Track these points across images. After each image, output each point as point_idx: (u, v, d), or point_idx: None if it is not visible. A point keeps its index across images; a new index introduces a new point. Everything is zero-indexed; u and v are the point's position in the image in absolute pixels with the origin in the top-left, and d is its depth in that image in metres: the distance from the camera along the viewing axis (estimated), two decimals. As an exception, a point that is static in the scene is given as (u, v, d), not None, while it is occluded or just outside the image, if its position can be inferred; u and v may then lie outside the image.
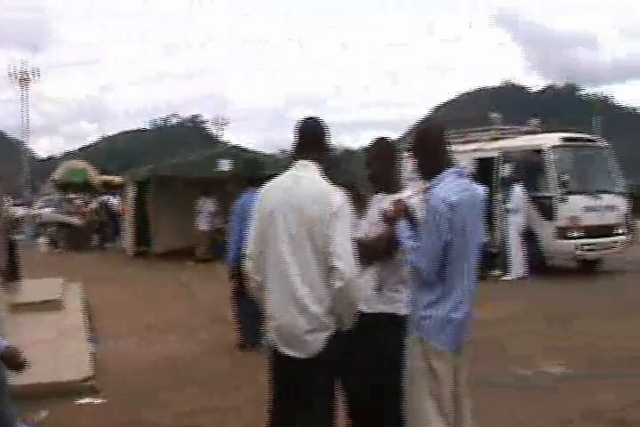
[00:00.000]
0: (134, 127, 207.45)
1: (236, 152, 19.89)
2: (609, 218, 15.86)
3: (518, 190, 15.31)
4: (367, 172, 4.55)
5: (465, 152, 17.47)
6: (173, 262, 18.95)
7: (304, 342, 3.78)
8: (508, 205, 15.36)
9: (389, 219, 4.09)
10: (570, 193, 15.21)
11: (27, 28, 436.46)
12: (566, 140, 16.33)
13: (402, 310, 4.14)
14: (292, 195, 3.86)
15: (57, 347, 8.29)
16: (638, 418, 6.04)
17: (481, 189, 13.07)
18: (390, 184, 4.44)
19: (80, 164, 33.23)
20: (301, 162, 4.00)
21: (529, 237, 15.47)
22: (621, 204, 16.43)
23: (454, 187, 3.86)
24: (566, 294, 12.97)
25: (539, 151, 15.84)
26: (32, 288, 12.25)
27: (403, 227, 3.96)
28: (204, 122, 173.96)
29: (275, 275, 3.85)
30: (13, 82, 48.58)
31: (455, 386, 3.86)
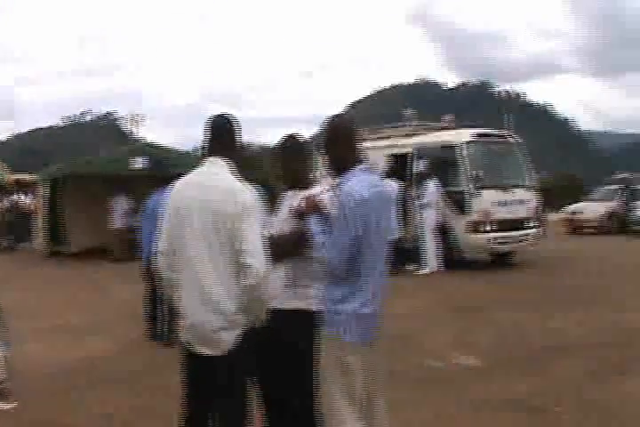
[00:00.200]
0: (47, 124, 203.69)
1: (151, 149, 19.69)
2: (520, 212, 16.22)
3: (432, 186, 15.51)
4: (278, 168, 4.54)
5: (379, 148, 17.61)
6: (88, 262, 18.65)
7: (216, 340, 3.77)
8: (422, 201, 15.53)
9: (300, 215, 4.07)
10: (482, 188, 15.50)
11: None
12: (478, 135, 16.65)
13: (314, 305, 4.13)
14: (202, 192, 3.85)
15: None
16: (545, 405, 6.19)
17: (394, 185, 13.25)
18: (301, 181, 4.43)
19: (-11, 162, 32.37)
20: (212, 159, 3.98)
21: (443, 231, 15.72)
22: (532, 198, 16.83)
23: (364, 183, 3.84)
24: (479, 287, 13.24)
25: (451, 147, 16.09)
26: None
27: (313, 223, 3.95)
28: (118, 118, 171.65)
29: (186, 273, 3.83)
30: None
31: (368, 381, 3.88)
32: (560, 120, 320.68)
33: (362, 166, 3.95)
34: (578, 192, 38.22)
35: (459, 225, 15.66)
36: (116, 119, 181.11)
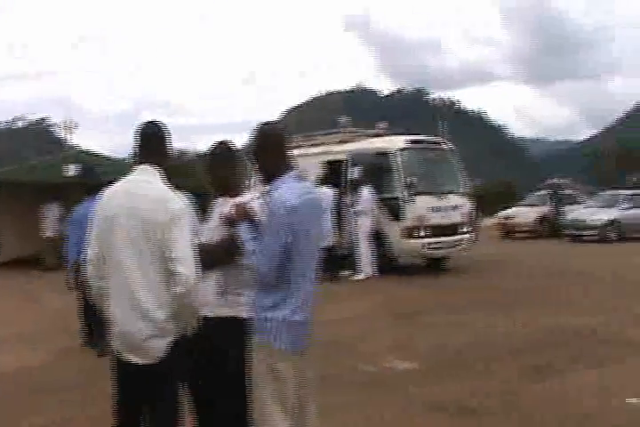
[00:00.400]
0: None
1: (85, 157, 19.45)
2: (454, 217, 16.39)
3: (366, 192, 15.57)
4: (208, 176, 4.53)
5: (314, 155, 17.71)
6: (19, 272, 18.34)
7: (146, 348, 3.75)
8: (357, 207, 15.58)
9: (230, 222, 4.07)
10: (416, 194, 15.59)
11: None
12: (412, 142, 16.76)
13: (245, 313, 4.12)
14: (132, 200, 3.82)
15: None
16: (480, 407, 6.26)
17: (328, 192, 13.31)
18: (231, 188, 4.42)
19: None
20: (142, 167, 3.96)
21: (377, 237, 15.77)
22: (466, 203, 17.03)
23: (294, 190, 3.85)
24: (414, 292, 13.37)
25: (386, 154, 16.19)
26: None
27: (244, 230, 3.96)
28: (51, 125, 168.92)
29: (116, 281, 3.80)
30: None
31: (300, 387, 3.90)
32: (494, 127, 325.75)
33: (292, 174, 3.95)
34: (511, 198, 38.80)
35: (393, 231, 15.72)
36: (48, 126, 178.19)
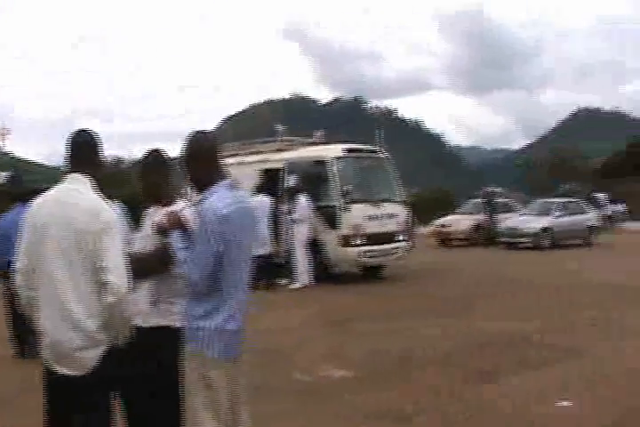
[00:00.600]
0: None
1: (18, 164, 19.16)
2: (390, 225, 16.49)
3: (303, 201, 15.58)
4: (140, 184, 4.51)
5: (251, 163, 17.71)
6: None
7: (77, 359, 3.70)
8: (294, 216, 15.58)
9: (162, 231, 4.06)
10: (352, 202, 15.64)
11: None
12: (348, 151, 16.82)
13: (178, 322, 4.11)
14: (63, 209, 3.77)
15: None
16: (415, 413, 6.32)
17: (265, 201, 13.26)
18: (163, 196, 4.40)
19: None
20: (73, 175, 3.91)
21: (314, 245, 15.79)
22: (402, 212, 17.15)
23: (227, 199, 3.84)
24: (350, 300, 13.42)
25: (322, 162, 16.22)
26: None
27: (176, 239, 3.95)
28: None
29: (46, 291, 3.74)
30: None
31: (233, 396, 3.90)
32: (431, 136, 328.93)
33: (224, 182, 3.94)
34: (448, 206, 39.21)
35: (330, 239, 15.75)
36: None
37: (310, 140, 18.91)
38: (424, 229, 30.70)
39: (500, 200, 30.42)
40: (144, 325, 4.15)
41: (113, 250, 3.70)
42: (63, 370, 3.73)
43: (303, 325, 10.97)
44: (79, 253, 3.69)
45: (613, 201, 39.49)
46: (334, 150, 16.75)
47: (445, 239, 28.76)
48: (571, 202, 28.52)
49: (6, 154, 49.29)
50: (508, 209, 29.69)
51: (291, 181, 16.12)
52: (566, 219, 26.51)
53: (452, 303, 12.78)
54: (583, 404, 6.48)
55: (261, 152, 18.70)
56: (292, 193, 15.87)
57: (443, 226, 29.05)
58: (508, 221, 26.95)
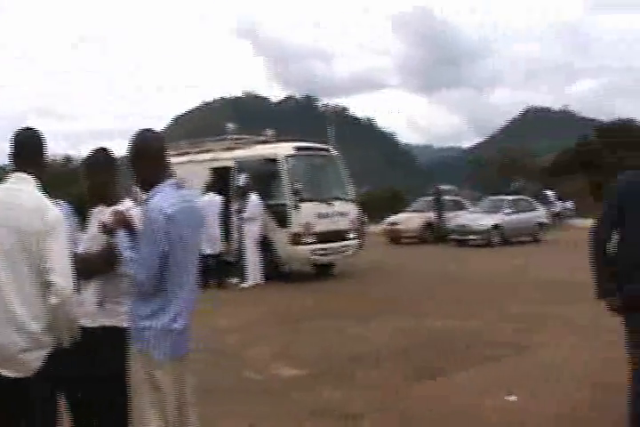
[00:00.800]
0: None
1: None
2: (341, 223, 16.55)
3: (254, 199, 15.54)
4: (86, 183, 4.47)
5: (202, 162, 17.66)
6: None
7: (21, 361, 3.64)
8: (244, 214, 15.53)
9: (108, 230, 4.04)
10: (303, 200, 15.67)
11: None
12: (299, 149, 16.83)
13: (125, 322, 4.08)
14: (6, 208, 3.71)
15: None
16: (364, 411, 6.35)
17: (216, 199, 13.21)
18: (109, 196, 4.36)
19: None
20: (17, 174, 3.85)
21: (265, 244, 15.77)
22: (352, 210, 17.23)
23: (172, 198, 3.83)
24: (300, 299, 13.42)
25: (273, 160, 16.20)
26: None
27: (122, 238, 3.93)
28: None
29: (-12, 292, 3.71)
30: None
31: (180, 396, 3.90)
32: (383, 134, 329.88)
33: (170, 182, 3.93)
34: (400, 204, 39.43)
35: (281, 238, 15.75)
36: None
37: (261, 138, 18.85)
38: (375, 227, 30.80)
39: (449, 198, 30.67)
40: (90, 325, 4.10)
41: (57, 250, 3.65)
42: (7, 372, 3.67)
43: (254, 323, 10.96)
44: (23, 254, 3.63)
45: (562, 198, 40.05)
46: (285, 148, 16.73)
47: (396, 237, 28.93)
48: (520, 199, 28.90)
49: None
50: (458, 207, 29.96)
51: (241, 179, 16.07)
52: (516, 216, 26.87)
53: (400, 301, 12.87)
54: (531, 398, 6.56)
55: (212, 150, 18.63)
56: (243, 191, 15.82)
57: (393, 224, 29.21)
58: (459, 218, 27.23)
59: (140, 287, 3.81)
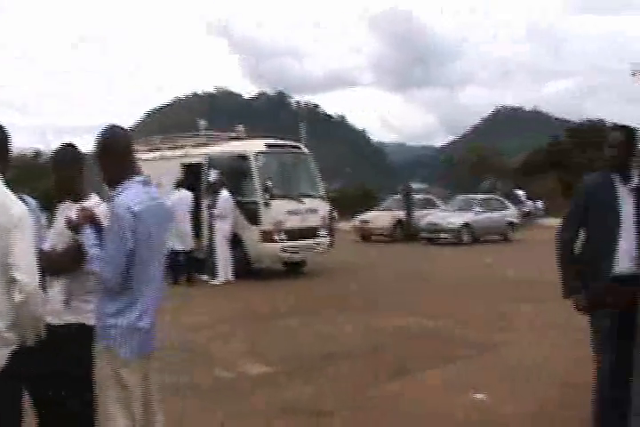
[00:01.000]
0: None
1: None
2: (311, 221, 16.55)
3: (225, 196, 15.48)
4: (53, 179, 4.42)
5: (173, 158, 17.59)
6: None
7: None
8: (215, 211, 15.46)
9: (75, 227, 4.00)
10: (273, 197, 15.62)
11: None
12: (270, 146, 16.79)
13: (91, 320, 4.05)
14: (-30, 205, 3.68)
15: None
16: (333, 408, 6.35)
17: (186, 195, 13.12)
18: (76, 192, 4.33)
19: None
20: (-19, 171, 3.82)
21: (235, 241, 15.72)
22: (323, 207, 17.24)
23: (139, 195, 3.81)
24: (270, 296, 13.42)
25: (243, 157, 16.16)
26: None
27: (88, 235, 3.89)
28: None
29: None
30: None
31: (145, 393, 3.87)
32: (356, 131, 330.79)
33: (137, 178, 3.91)
34: (371, 202, 39.52)
35: (251, 235, 15.71)
36: None
37: (232, 134, 18.79)
38: (346, 225, 30.86)
39: (420, 196, 30.80)
40: (56, 323, 4.06)
41: (22, 247, 3.59)
42: None
43: (224, 321, 10.92)
44: (-13, 251, 3.59)
45: (532, 198, 40.38)
46: (256, 145, 16.68)
47: (367, 235, 29.02)
48: (491, 198, 29.14)
49: None
50: (429, 205, 30.09)
51: (212, 175, 16.01)
52: (486, 215, 27.06)
53: (371, 299, 12.90)
54: (499, 397, 6.59)
55: (183, 147, 18.54)
56: (214, 188, 15.75)
57: (364, 222, 29.28)
58: (429, 216, 27.33)
59: (106, 285, 3.79)
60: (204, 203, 16.12)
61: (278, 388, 7.11)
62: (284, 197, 15.94)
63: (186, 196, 15.42)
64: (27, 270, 3.54)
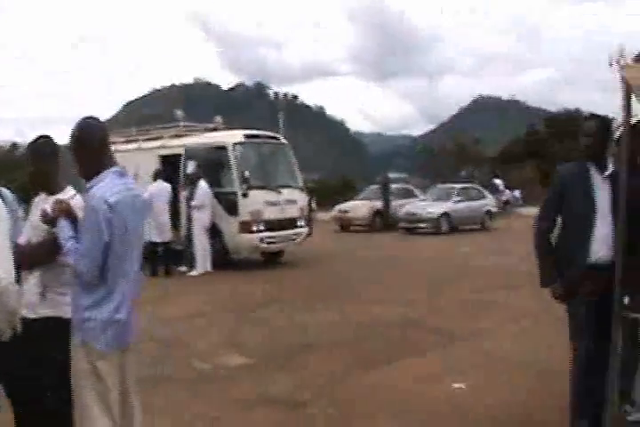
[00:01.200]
0: None
1: None
2: (290, 211, 16.54)
3: (203, 187, 15.45)
4: (28, 171, 4.39)
5: (150, 149, 17.52)
6: None
7: None
8: (193, 202, 15.43)
9: (50, 220, 3.97)
10: (252, 188, 15.57)
11: None
12: (248, 137, 16.73)
13: (68, 313, 4.01)
14: (-56, 197, 3.65)
15: None
16: (309, 399, 6.37)
17: (165, 186, 13.08)
18: (51, 184, 4.29)
19: None
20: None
21: (213, 232, 15.70)
22: (301, 198, 17.24)
23: (115, 187, 3.78)
24: (249, 287, 13.41)
25: (222, 148, 16.10)
26: None
27: (64, 228, 3.87)
28: None
29: None
30: None
31: (122, 386, 3.86)
32: (334, 122, 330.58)
33: (113, 170, 3.88)
34: (351, 192, 39.54)
35: (230, 226, 15.69)
36: None
37: (210, 125, 18.73)
38: (326, 215, 30.87)
39: (399, 186, 30.82)
40: (32, 316, 4.04)
41: None
42: None
43: (202, 312, 10.90)
44: (-39, 244, 3.56)
45: (510, 187, 40.54)
46: (234, 136, 16.64)
47: (346, 225, 29.05)
48: (469, 188, 29.17)
49: None
50: (408, 195, 30.14)
51: (190, 167, 15.96)
52: (465, 204, 27.15)
53: (349, 289, 12.95)
54: (476, 385, 6.64)
55: (161, 138, 18.46)
56: (192, 179, 15.70)
57: (343, 212, 29.31)
58: (408, 206, 27.38)
59: (82, 278, 3.76)
60: (182, 194, 16.06)
61: (256, 378, 7.11)
62: (262, 187, 15.88)
63: (164, 187, 15.36)
64: (1, 264, 3.51)
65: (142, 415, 4.02)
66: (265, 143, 17.39)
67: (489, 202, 29.04)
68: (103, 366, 3.75)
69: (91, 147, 3.89)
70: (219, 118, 18.83)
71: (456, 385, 6.65)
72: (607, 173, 4.81)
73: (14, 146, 56.65)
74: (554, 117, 61.13)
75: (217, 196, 15.67)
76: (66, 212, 3.89)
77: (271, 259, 17.27)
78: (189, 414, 6.05)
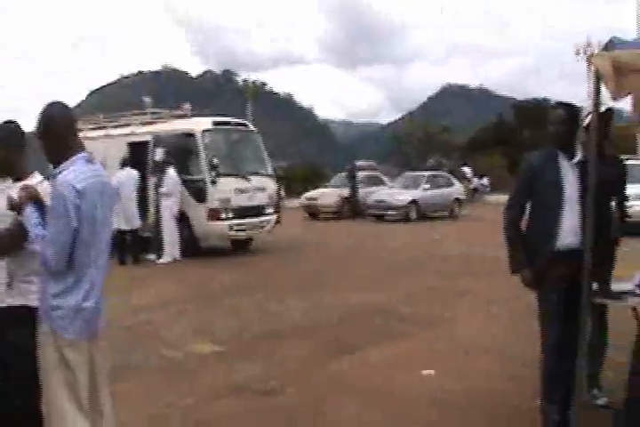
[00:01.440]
0: None
1: None
2: (259, 199, 16.52)
3: (171, 174, 15.39)
4: None
5: (118, 136, 17.42)
6: None
7: None
8: (162, 189, 15.36)
9: (16, 206, 3.91)
10: (220, 175, 15.54)
11: None
12: (217, 124, 16.65)
13: (35, 301, 3.98)
14: None
15: None
16: (280, 387, 6.37)
17: (132, 173, 12.98)
18: (16, 170, 4.24)
19: None
20: None
21: (182, 219, 15.65)
22: (270, 185, 17.20)
23: (83, 173, 3.74)
24: (219, 275, 13.38)
25: (190, 135, 16.02)
26: None
27: (30, 214, 3.81)
28: None
29: None
30: None
31: (91, 375, 3.83)
32: (303, 109, 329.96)
33: (81, 156, 3.84)
34: (320, 180, 39.53)
35: (198, 213, 15.63)
36: None
37: (178, 112, 18.63)
38: (294, 202, 30.86)
39: (368, 174, 30.85)
40: (0, 305, 4.01)
41: None
42: None
43: (171, 300, 10.86)
44: None
45: (478, 175, 40.76)
46: (203, 123, 16.55)
47: (314, 212, 29.06)
48: (438, 175, 29.26)
49: None
50: (377, 182, 30.20)
51: (158, 154, 15.87)
52: (433, 192, 27.27)
53: (318, 277, 12.97)
54: (446, 372, 6.68)
55: (129, 125, 18.39)
56: (160, 166, 15.62)
57: (311, 199, 29.32)
58: (377, 193, 27.44)
59: (49, 265, 3.70)
60: (151, 181, 15.98)
61: (227, 367, 7.11)
62: (230, 175, 15.83)
63: (132, 174, 15.26)
64: None
65: (113, 404, 3.99)
66: (234, 130, 17.33)
67: (457, 189, 29.20)
68: (71, 354, 3.71)
69: (58, 132, 3.83)
70: (187, 105, 18.70)
71: (425, 372, 6.69)
72: (575, 160, 4.84)
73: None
74: (522, 106, 61.37)
75: (185, 183, 15.60)
76: (33, 198, 3.84)
77: (240, 247, 17.25)
78: (160, 402, 6.03)
